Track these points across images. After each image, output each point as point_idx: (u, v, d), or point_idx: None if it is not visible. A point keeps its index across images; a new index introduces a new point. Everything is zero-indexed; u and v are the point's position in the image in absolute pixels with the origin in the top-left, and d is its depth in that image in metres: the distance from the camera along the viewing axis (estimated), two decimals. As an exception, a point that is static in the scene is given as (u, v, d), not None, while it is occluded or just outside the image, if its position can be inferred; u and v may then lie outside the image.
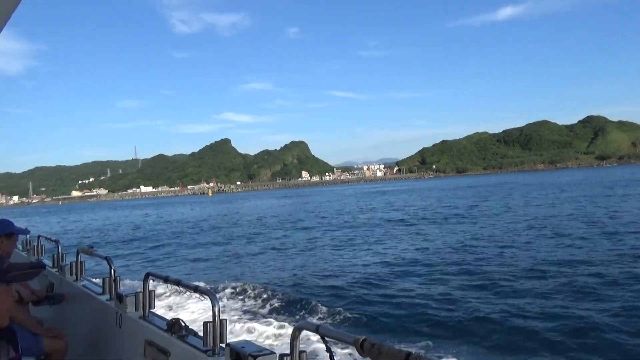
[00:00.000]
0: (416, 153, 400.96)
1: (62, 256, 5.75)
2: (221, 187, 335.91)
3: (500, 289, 13.58)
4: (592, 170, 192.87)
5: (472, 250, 20.24)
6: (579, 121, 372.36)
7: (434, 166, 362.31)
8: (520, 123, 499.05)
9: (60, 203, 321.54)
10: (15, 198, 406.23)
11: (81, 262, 5.19)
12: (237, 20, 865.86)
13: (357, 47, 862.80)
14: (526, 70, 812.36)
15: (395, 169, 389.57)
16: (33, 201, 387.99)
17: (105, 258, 4.32)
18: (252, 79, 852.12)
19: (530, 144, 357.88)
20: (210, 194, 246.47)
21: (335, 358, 2.07)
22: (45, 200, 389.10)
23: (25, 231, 4.89)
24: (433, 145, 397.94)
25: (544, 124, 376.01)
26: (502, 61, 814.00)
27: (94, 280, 5.02)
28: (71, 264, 5.26)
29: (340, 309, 12.04)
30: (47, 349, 3.92)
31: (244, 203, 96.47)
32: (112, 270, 4.23)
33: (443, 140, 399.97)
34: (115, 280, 4.20)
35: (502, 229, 26.96)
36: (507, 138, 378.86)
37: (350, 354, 7.34)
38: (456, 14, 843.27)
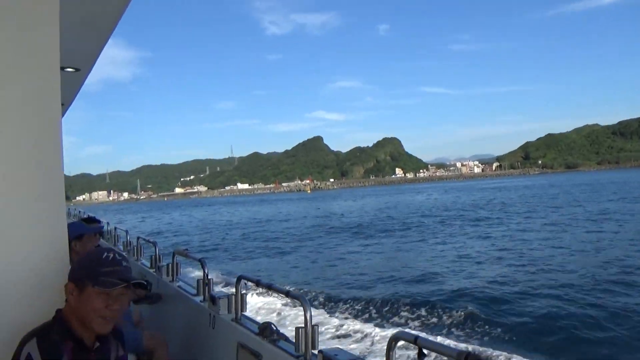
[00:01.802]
0: (518, 148, 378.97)
1: (159, 257, 5.93)
2: (317, 184, 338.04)
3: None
4: None
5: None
6: None
7: (540, 162, 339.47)
8: (636, 114, 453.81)
9: (165, 199, 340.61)
10: (125, 194, 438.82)
11: (177, 264, 5.27)
12: (326, 19, 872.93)
13: (448, 42, 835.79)
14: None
15: (495, 164, 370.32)
16: (141, 197, 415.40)
17: (199, 260, 4.37)
18: (342, 78, 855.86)
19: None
20: (308, 191, 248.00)
21: None
22: (151, 196, 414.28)
23: (97, 228, 4.63)
24: (537, 140, 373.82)
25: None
26: (611, 48, 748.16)
27: (187, 281, 5.09)
28: (167, 265, 5.36)
29: (445, 318, 11.12)
30: (147, 345, 3.95)
31: (357, 200, 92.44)
32: (205, 272, 4.26)
33: (549, 134, 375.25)
34: (208, 282, 4.25)
35: None
36: (624, 130, 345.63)
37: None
38: (555, 2, 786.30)
